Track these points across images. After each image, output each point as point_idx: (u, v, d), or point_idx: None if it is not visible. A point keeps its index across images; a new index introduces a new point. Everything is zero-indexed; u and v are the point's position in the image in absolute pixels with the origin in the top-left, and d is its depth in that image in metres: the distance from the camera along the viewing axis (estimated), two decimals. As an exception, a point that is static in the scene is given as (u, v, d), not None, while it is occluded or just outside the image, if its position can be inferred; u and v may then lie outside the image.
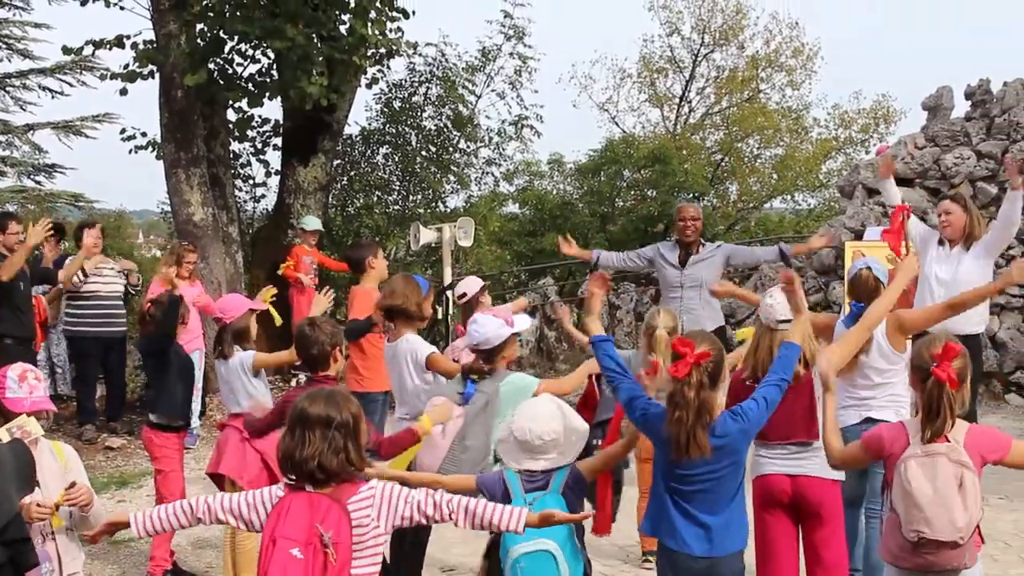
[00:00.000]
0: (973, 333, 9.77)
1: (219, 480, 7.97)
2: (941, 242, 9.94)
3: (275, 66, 16.76)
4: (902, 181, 16.56)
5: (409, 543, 7.11)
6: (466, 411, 6.63)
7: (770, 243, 25.28)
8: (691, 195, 28.38)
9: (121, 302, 13.26)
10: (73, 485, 5.45)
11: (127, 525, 4.72)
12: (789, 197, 38.74)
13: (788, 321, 6.28)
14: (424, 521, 4.52)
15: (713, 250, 10.79)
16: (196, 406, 12.85)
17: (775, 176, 38.14)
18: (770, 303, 6.42)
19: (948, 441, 4.99)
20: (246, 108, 16.96)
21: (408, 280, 7.73)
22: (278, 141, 18.28)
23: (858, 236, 15.47)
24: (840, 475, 6.33)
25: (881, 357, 7.30)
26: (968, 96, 17.30)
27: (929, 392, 5.00)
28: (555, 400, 5.49)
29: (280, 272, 15.38)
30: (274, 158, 18.77)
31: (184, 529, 5.23)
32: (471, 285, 9.95)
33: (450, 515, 4.49)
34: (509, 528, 4.50)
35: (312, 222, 16.17)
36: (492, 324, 6.91)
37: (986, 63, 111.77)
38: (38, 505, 5.32)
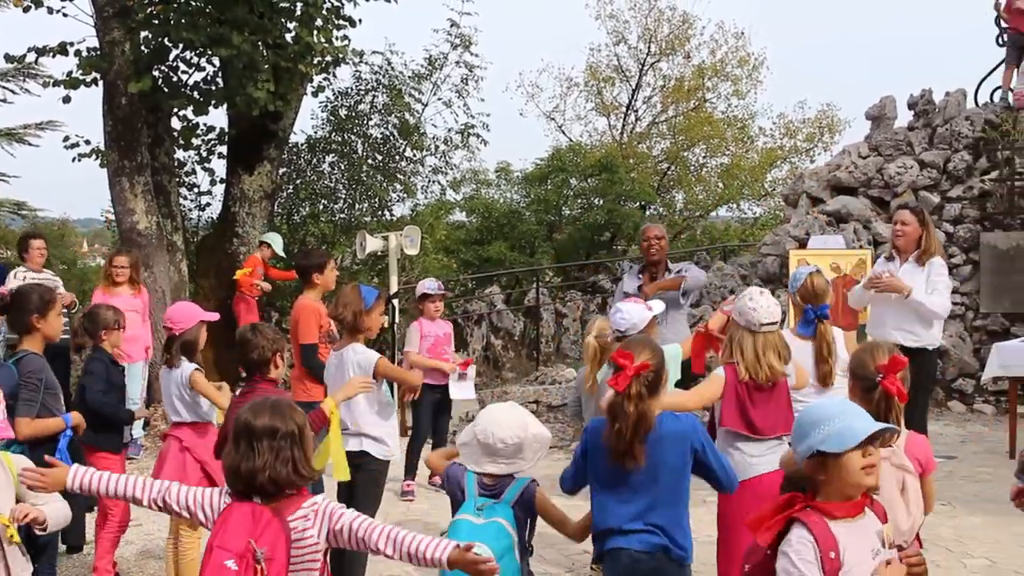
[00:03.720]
0: (931, 348, 9.88)
1: (160, 490, 7.91)
2: (890, 258, 10.01)
3: (220, 74, 16.67)
4: (846, 190, 16.72)
5: (347, 555, 7.10)
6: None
7: (715, 252, 25.47)
8: (638, 204, 28.50)
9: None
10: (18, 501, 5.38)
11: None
12: (735, 206, 39.02)
13: (772, 324, 6.36)
14: (354, 546, 4.45)
15: (677, 272, 10.72)
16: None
17: (721, 185, 38.39)
18: (752, 307, 6.49)
19: (890, 446, 5.02)
20: (191, 116, 16.85)
21: (354, 290, 7.72)
22: (223, 149, 18.17)
23: (802, 245, 15.58)
24: None
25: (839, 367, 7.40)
26: (911, 106, 17.46)
27: (877, 404, 5.02)
28: (521, 409, 5.50)
29: (236, 277, 15.31)
30: (219, 166, 18.66)
31: (111, 498, 5.22)
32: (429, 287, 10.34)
33: (375, 544, 4.42)
34: (431, 561, 4.44)
35: (277, 241, 16.13)
36: (636, 309, 7.25)
37: (928, 73, 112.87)
38: None
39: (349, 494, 7.36)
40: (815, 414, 4.03)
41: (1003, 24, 17.12)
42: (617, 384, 5.13)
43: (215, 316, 8.39)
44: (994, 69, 17.47)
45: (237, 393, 7.02)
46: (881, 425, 3.97)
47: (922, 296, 9.55)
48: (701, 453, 5.31)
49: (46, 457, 5.32)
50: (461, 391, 11.28)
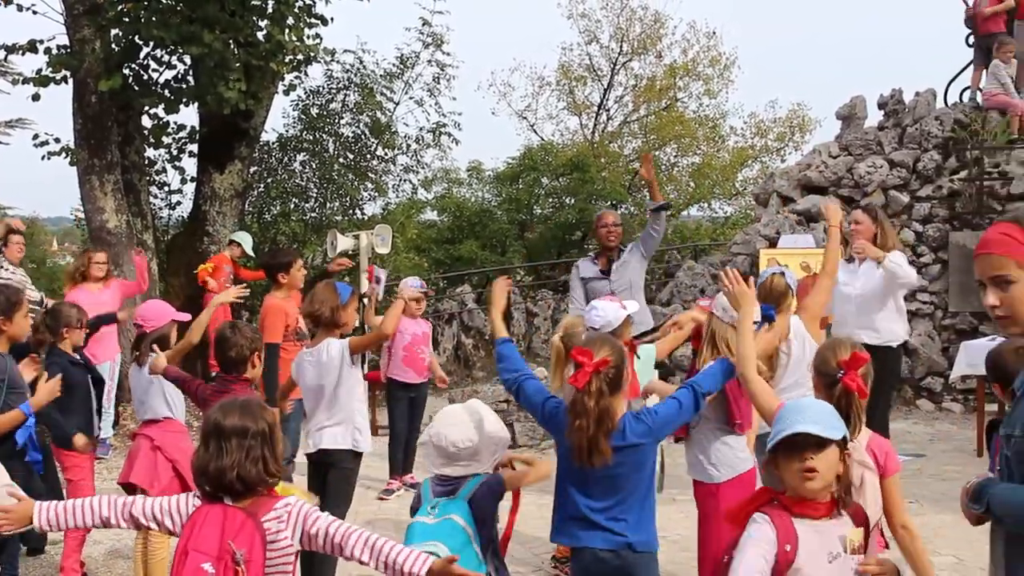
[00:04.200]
0: (894, 345, 9.95)
1: (131, 490, 7.88)
2: (849, 259, 10.09)
3: (191, 72, 16.62)
4: (816, 189, 16.79)
5: (317, 557, 7.10)
6: None
7: (686, 251, 25.51)
8: (609, 203, 28.52)
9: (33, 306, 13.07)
10: None
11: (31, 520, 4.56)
12: (706, 205, 39.12)
13: (756, 322, 6.36)
14: (329, 550, 4.41)
15: (629, 251, 10.80)
16: (109, 417, 12.73)
17: (692, 184, 38.48)
18: (727, 306, 6.46)
19: (851, 442, 5.04)
20: (162, 114, 16.78)
21: (328, 287, 7.72)
22: (194, 148, 18.10)
23: (773, 244, 15.64)
24: None
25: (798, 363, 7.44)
26: (881, 106, 17.56)
27: (837, 400, 5.03)
28: (481, 408, 5.49)
29: (196, 271, 15.28)
30: (190, 165, 18.61)
31: (90, 529, 5.13)
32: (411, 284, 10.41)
33: (351, 551, 4.36)
34: (410, 575, 4.41)
35: (247, 240, 16.09)
36: (611, 307, 7.25)
37: (898, 73, 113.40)
38: None
39: (321, 491, 7.36)
40: (782, 412, 4.06)
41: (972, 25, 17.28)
42: (577, 381, 5.10)
43: (187, 316, 8.35)
44: (963, 69, 17.60)
45: (209, 391, 6.99)
46: (807, 428, 3.96)
47: (891, 265, 9.61)
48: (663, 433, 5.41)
49: (8, 491, 5.17)
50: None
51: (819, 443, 3.94)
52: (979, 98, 16.94)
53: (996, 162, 15.90)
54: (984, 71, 16.80)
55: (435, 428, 5.34)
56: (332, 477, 7.47)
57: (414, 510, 5.40)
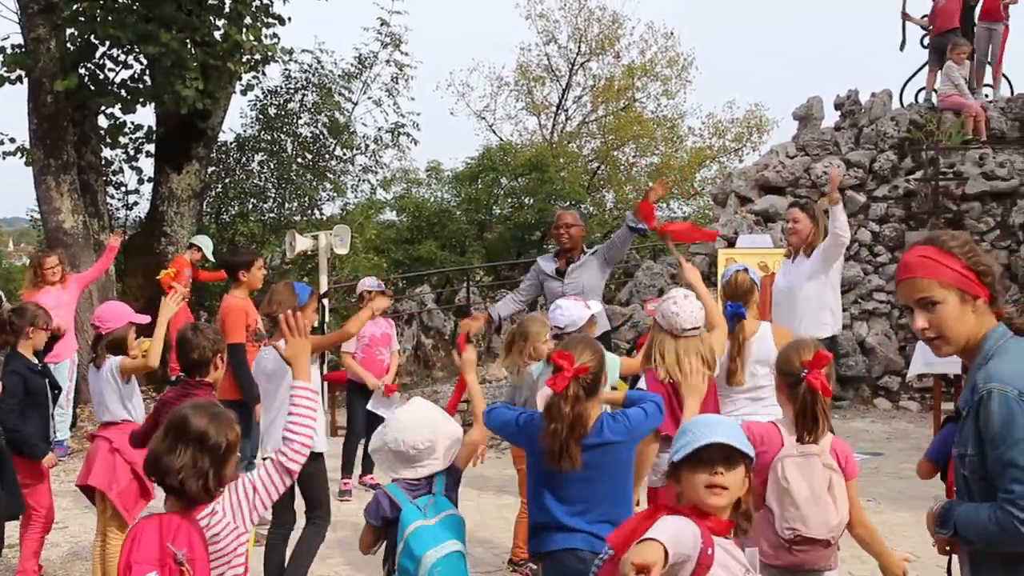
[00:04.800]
0: (821, 337, 10.04)
1: (90, 492, 7.83)
2: (788, 255, 10.21)
3: (148, 71, 16.54)
4: (773, 189, 16.87)
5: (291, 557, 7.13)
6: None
7: (645, 251, 25.58)
8: (568, 203, 28.58)
9: None
10: None
11: None
12: (664, 205, 39.20)
13: (694, 330, 6.36)
14: (278, 488, 4.54)
15: (590, 255, 10.73)
16: (67, 418, 12.65)
17: (651, 184, 38.52)
18: (675, 311, 6.45)
19: (818, 444, 5.08)
20: (118, 114, 16.70)
21: (287, 288, 7.69)
22: (151, 148, 18.02)
23: (731, 244, 15.68)
24: None
25: (765, 366, 7.47)
26: (837, 106, 17.67)
27: (803, 399, 5.04)
28: (428, 407, 5.47)
29: (159, 277, 15.21)
30: (147, 165, 18.51)
31: (48, 530, 5.09)
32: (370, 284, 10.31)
33: (279, 467, 4.57)
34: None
35: (207, 244, 16.02)
36: (575, 307, 7.29)
37: (854, 74, 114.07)
38: None
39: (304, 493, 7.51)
40: (684, 426, 4.01)
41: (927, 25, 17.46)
42: (555, 385, 5.08)
43: (145, 319, 8.28)
44: (918, 70, 17.75)
45: (169, 392, 6.95)
46: (722, 439, 3.89)
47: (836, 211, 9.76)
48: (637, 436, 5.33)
49: None
50: (379, 406, 11.16)
51: (729, 459, 3.86)
52: (934, 99, 17.09)
53: (951, 162, 16.03)
54: (939, 72, 16.94)
55: (390, 434, 5.31)
56: (299, 484, 7.48)
57: (384, 519, 5.33)
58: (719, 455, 3.83)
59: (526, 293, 10.81)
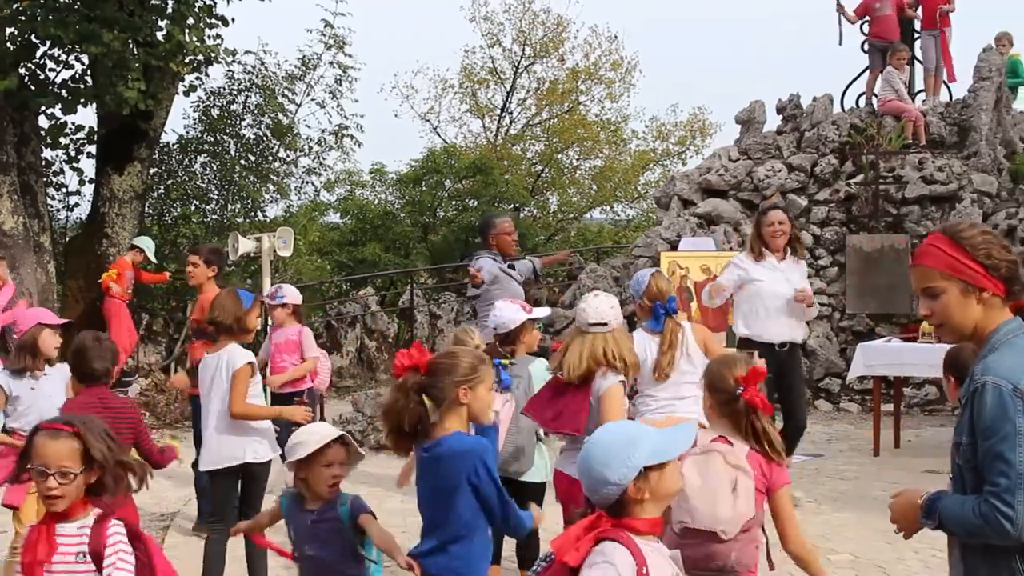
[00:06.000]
0: (800, 342, 10.13)
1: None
2: (760, 256, 10.13)
3: (89, 72, 16.42)
4: (716, 192, 16.96)
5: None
6: (514, 394, 6.77)
7: (588, 254, 25.65)
8: (512, 206, 28.63)
9: None
10: None
11: None
12: (608, 208, 39.33)
13: (600, 324, 6.36)
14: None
15: (522, 263, 10.74)
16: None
17: (594, 187, 38.66)
18: (583, 307, 6.50)
19: (730, 444, 4.97)
20: (59, 114, 16.57)
21: (231, 295, 7.66)
22: (92, 149, 17.90)
23: (673, 246, 15.77)
24: None
25: (689, 362, 7.52)
26: (779, 111, 17.80)
27: (744, 417, 4.98)
28: (321, 427, 5.48)
29: (101, 280, 15.10)
30: (88, 166, 18.39)
31: None
32: (291, 294, 10.06)
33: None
34: None
35: (149, 246, 15.91)
36: (509, 309, 7.21)
37: (796, 78, 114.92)
38: None
39: (240, 500, 7.45)
40: (618, 437, 3.89)
41: (865, 30, 17.66)
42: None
43: (59, 321, 8.15)
44: (860, 75, 17.93)
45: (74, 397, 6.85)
46: (688, 444, 3.92)
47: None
48: (477, 482, 4.96)
49: None
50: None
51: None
52: (875, 103, 17.27)
53: (891, 166, 16.18)
54: (880, 76, 17.12)
55: (289, 445, 5.35)
56: (257, 490, 7.46)
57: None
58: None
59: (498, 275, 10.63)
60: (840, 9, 17.83)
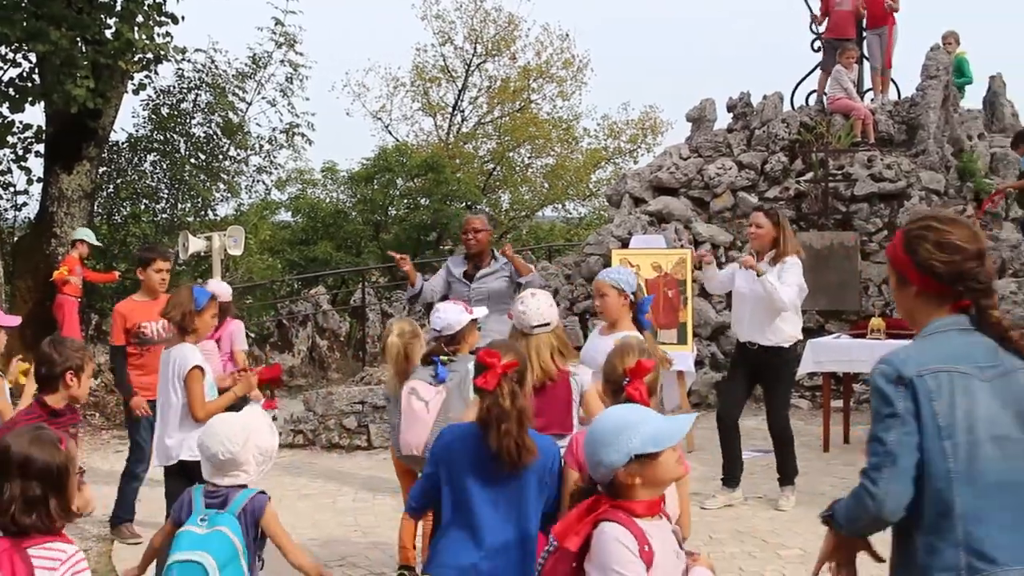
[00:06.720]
0: (786, 346, 10.11)
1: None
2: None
3: (37, 70, 16.29)
4: (667, 190, 17.02)
5: None
6: (447, 388, 6.83)
7: (540, 251, 25.69)
8: (464, 204, 28.63)
9: None
10: None
11: None
12: (560, 206, 39.44)
13: (542, 326, 6.38)
14: None
15: (503, 265, 10.53)
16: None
17: (546, 185, 38.76)
18: (522, 309, 6.53)
19: None
20: (6, 113, 16.43)
21: (186, 291, 7.67)
22: (40, 148, 17.75)
23: (625, 244, 15.78)
24: None
25: None
26: (730, 109, 17.89)
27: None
28: (249, 418, 5.43)
29: (53, 277, 15.00)
30: (36, 165, 18.22)
31: None
32: (222, 290, 9.94)
33: None
34: None
35: (89, 235, 15.80)
36: (453, 310, 7.21)
37: (747, 76, 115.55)
38: None
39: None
40: (615, 423, 3.98)
41: (817, 29, 17.76)
42: (487, 383, 5.00)
43: (14, 320, 8.07)
44: (809, 73, 18.05)
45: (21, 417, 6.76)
46: (683, 434, 3.97)
47: (768, 286, 9.72)
48: (553, 477, 5.16)
49: None
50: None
51: None
52: (824, 101, 17.39)
53: (840, 164, 16.29)
54: (830, 75, 17.25)
55: (201, 438, 5.33)
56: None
57: (179, 521, 5.31)
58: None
59: (437, 291, 10.62)
60: (814, 19, 17.92)
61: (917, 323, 3.86)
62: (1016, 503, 3.63)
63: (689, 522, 5.44)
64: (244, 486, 5.29)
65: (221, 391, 7.64)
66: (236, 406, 7.52)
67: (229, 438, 5.24)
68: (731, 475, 10.32)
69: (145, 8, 16.13)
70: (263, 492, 5.32)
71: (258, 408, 5.70)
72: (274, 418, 11.14)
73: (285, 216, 31.45)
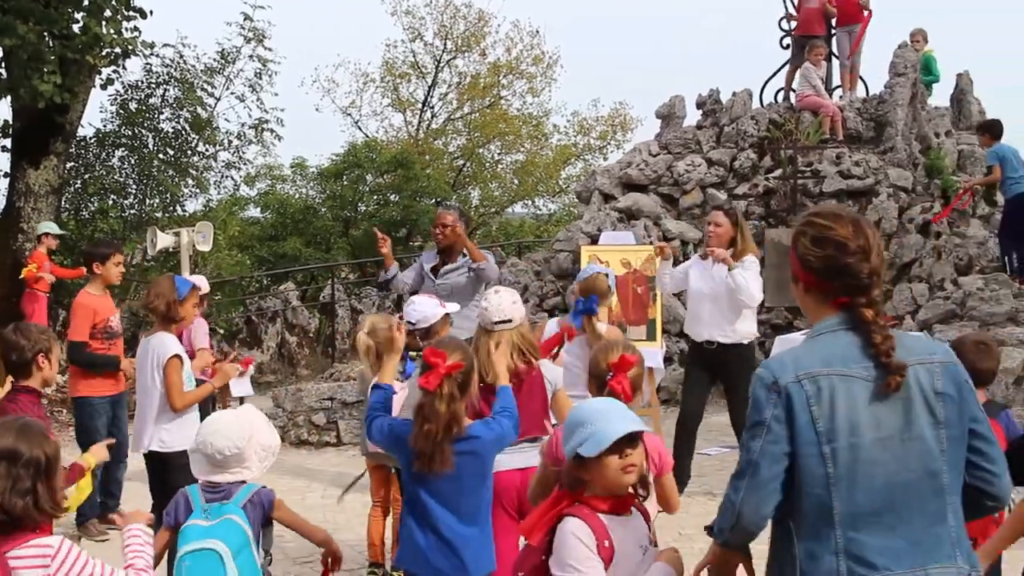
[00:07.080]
0: (745, 343, 10.12)
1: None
2: (704, 256, 10.18)
3: (4, 64, 16.20)
4: (637, 187, 17.05)
5: None
6: (409, 383, 6.68)
7: (510, 248, 25.68)
8: (434, 200, 28.61)
9: None
10: None
11: None
12: (530, 202, 39.46)
13: (503, 323, 6.36)
14: None
15: (468, 260, 10.48)
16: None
17: (516, 181, 38.77)
18: (484, 306, 6.51)
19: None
20: (-28, 108, 16.35)
21: (168, 281, 7.66)
22: (7, 142, 17.65)
23: (594, 240, 15.79)
24: None
25: None
26: (699, 105, 17.94)
27: None
28: (248, 415, 5.42)
29: (22, 275, 14.93)
30: (3, 160, 18.14)
31: None
32: (201, 281, 9.94)
33: None
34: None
35: (53, 227, 15.73)
36: (428, 304, 7.28)
37: (716, 73, 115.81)
38: None
39: (161, 491, 7.36)
40: (580, 415, 3.99)
41: (787, 27, 17.84)
42: (428, 383, 5.06)
43: None
44: (778, 70, 18.11)
45: None
46: (634, 427, 3.94)
47: (739, 279, 9.71)
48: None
49: None
50: (239, 388, 10.94)
51: (632, 439, 3.94)
52: (792, 98, 17.46)
53: (809, 161, 16.36)
54: (798, 72, 17.33)
55: (201, 436, 5.28)
56: (173, 480, 7.37)
57: (177, 523, 5.27)
58: (625, 438, 3.91)
59: (410, 283, 10.58)
60: (788, 16, 18.00)
61: (811, 321, 3.79)
62: (903, 503, 3.53)
63: (677, 501, 5.55)
64: (244, 482, 5.26)
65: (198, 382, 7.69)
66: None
67: (234, 435, 5.22)
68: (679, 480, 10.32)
69: (113, 3, 16.04)
70: (265, 486, 5.30)
71: (253, 407, 5.68)
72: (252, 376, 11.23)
73: (254, 212, 31.37)
